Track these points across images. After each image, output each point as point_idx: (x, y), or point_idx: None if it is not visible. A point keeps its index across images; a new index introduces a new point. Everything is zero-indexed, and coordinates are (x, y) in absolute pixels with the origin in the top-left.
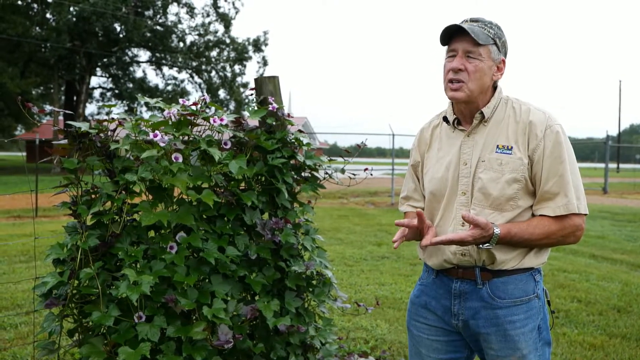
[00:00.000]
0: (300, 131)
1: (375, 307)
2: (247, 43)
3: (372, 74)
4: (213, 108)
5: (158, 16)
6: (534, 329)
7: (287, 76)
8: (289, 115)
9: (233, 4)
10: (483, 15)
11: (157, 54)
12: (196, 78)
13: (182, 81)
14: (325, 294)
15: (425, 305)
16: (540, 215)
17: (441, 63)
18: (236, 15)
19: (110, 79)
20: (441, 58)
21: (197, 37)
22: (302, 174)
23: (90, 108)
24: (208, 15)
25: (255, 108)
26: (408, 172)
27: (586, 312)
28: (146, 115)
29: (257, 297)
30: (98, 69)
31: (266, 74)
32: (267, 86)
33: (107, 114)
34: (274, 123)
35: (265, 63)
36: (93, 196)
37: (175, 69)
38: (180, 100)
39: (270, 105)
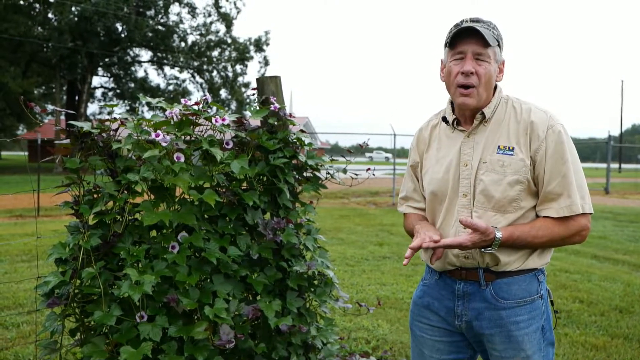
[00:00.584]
0: (302, 131)
1: (377, 307)
2: (248, 43)
3: (373, 74)
4: (214, 108)
5: (160, 16)
6: (538, 329)
7: (289, 76)
8: (290, 115)
9: (234, 3)
10: (485, 15)
11: (159, 54)
12: (197, 78)
13: (184, 81)
14: (326, 294)
15: (428, 306)
16: (544, 216)
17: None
18: (237, 15)
19: (111, 79)
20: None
21: (198, 37)
22: (304, 174)
23: (92, 108)
24: (209, 15)
25: (257, 108)
26: (407, 172)
27: (588, 312)
28: (147, 115)
29: (258, 297)
30: (100, 68)
31: (267, 74)
32: (269, 86)
33: (109, 113)
34: (275, 123)
35: (266, 63)
36: (95, 196)
37: (176, 68)
38: (182, 100)
39: (272, 105)
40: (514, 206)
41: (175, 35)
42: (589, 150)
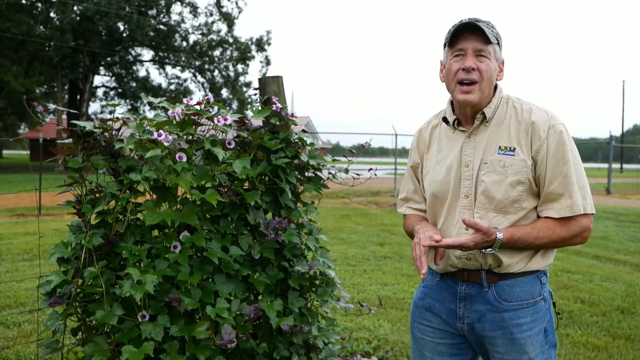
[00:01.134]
0: (303, 131)
1: (378, 308)
2: (250, 42)
3: (374, 73)
4: (216, 107)
5: (161, 15)
6: (541, 331)
7: (290, 76)
8: (292, 115)
9: (236, 3)
10: (486, 15)
11: (161, 53)
12: (199, 77)
13: (185, 80)
14: (328, 294)
15: (429, 308)
16: (545, 217)
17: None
18: (239, 15)
19: (113, 78)
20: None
21: (200, 36)
22: (306, 173)
23: (94, 107)
24: (211, 15)
25: (259, 108)
26: (407, 173)
27: (590, 313)
28: (149, 114)
29: (260, 297)
30: (101, 68)
31: (269, 74)
32: (270, 86)
33: (110, 112)
34: (277, 123)
35: (268, 62)
36: (97, 195)
37: (178, 68)
38: (184, 100)
39: (274, 105)
40: (516, 207)
41: (177, 35)
42: (590, 150)
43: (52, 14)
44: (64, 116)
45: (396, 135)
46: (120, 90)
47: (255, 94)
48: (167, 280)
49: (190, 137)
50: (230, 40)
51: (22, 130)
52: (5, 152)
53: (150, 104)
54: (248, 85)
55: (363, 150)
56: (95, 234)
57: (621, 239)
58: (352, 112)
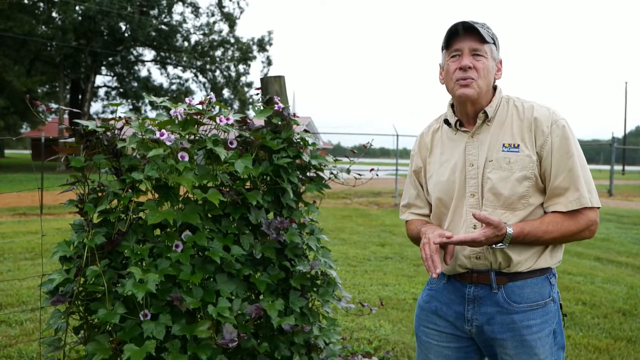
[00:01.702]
0: (305, 131)
1: (379, 308)
2: (251, 43)
3: (375, 74)
4: (217, 107)
5: (163, 15)
6: (550, 333)
7: (291, 76)
8: (294, 115)
9: (238, 3)
10: (487, 16)
11: (162, 53)
12: (200, 77)
13: (187, 80)
14: (329, 294)
15: (435, 311)
16: (553, 212)
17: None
18: (241, 15)
19: (115, 78)
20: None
21: (201, 36)
22: (308, 173)
23: (95, 107)
24: (213, 15)
25: (261, 107)
26: (409, 179)
27: (591, 314)
28: (150, 114)
29: (261, 297)
30: (103, 67)
31: (270, 74)
32: (273, 86)
33: (112, 112)
34: (279, 123)
35: (269, 63)
36: (100, 194)
37: (179, 68)
38: (187, 99)
39: (276, 105)
40: (523, 203)
41: (178, 35)
42: (592, 151)
43: (54, 14)
44: (66, 116)
45: (397, 135)
46: (121, 90)
47: (258, 94)
48: (168, 279)
49: (192, 137)
50: (232, 40)
51: (23, 129)
52: (7, 151)
53: (152, 103)
54: (249, 85)
55: (364, 151)
56: (97, 232)
57: (623, 241)
58: (353, 113)
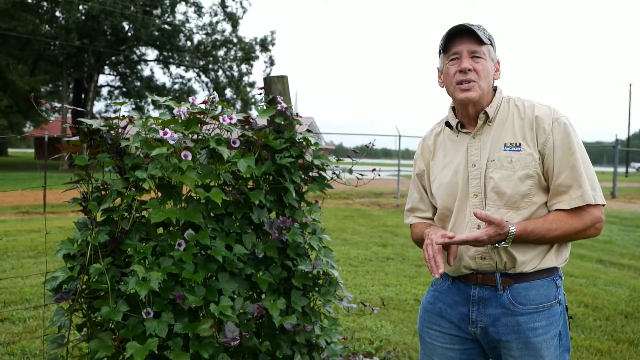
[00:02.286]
0: (308, 131)
1: (381, 308)
2: (254, 43)
3: (378, 74)
4: (220, 107)
5: (166, 15)
6: (555, 335)
7: (294, 76)
8: (297, 114)
9: (240, 3)
10: (488, 16)
11: (165, 53)
12: (203, 77)
13: (189, 80)
14: (331, 294)
15: (440, 313)
16: (556, 210)
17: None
18: (243, 15)
19: (118, 77)
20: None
21: (204, 36)
22: (310, 173)
23: (98, 106)
24: (216, 15)
25: (264, 107)
26: (412, 183)
27: (593, 317)
28: (153, 113)
29: (263, 296)
30: (106, 67)
31: (273, 74)
32: (276, 86)
33: (115, 112)
34: (282, 122)
35: (272, 63)
36: (103, 193)
37: (182, 67)
38: (190, 99)
39: (279, 105)
40: (526, 202)
41: (181, 35)
42: (595, 153)
43: (57, 13)
44: (69, 115)
45: (400, 136)
46: (124, 89)
47: (260, 94)
48: (171, 278)
49: (195, 136)
50: (235, 40)
51: (27, 128)
52: (10, 150)
53: (154, 103)
54: (252, 85)
55: (366, 151)
56: (101, 231)
57: (626, 243)
58: (355, 113)
